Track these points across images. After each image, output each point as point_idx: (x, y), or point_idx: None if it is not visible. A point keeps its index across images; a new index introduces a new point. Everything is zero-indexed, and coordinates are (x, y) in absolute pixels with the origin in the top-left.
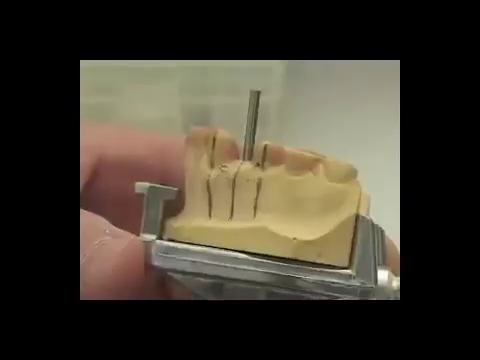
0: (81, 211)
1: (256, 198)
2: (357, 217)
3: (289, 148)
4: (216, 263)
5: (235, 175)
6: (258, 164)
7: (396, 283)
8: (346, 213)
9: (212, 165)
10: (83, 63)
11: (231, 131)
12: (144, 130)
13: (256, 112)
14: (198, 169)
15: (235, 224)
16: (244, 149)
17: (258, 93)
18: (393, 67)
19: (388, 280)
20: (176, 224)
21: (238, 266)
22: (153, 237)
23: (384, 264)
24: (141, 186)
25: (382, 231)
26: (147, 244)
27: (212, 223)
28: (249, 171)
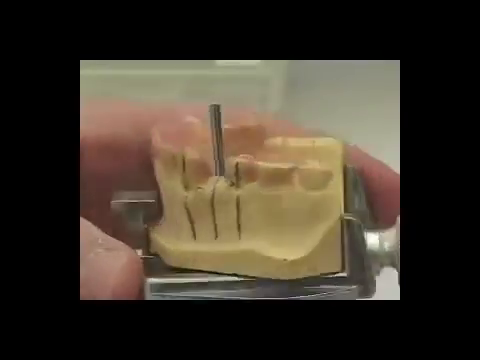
0: None
1: (238, 217)
2: (342, 220)
3: (261, 162)
4: (211, 291)
5: (212, 196)
6: (233, 183)
7: (388, 244)
8: (331, 220)
9: (187, 187)
10: (83, 72)
11: None
12: (119, 102)
13: (220, 126)
14: (173, 191)
15: (222, 246)
16: (215, 165)
17: (218, 107)
18: (393, 79)
19: (379, 243)
20: (162, 241)
21: (233, 291)
22: (139, 252)
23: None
24: (117, 204)
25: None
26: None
27: (199, 246)
28: (225, 191)
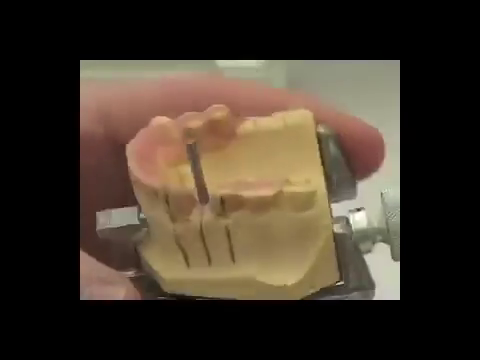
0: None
1: (230, 246)
2: (334, 236)
3: (245, 191)
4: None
5: (200, 227)
6: (219, 214)
7: (376, 220)
8: (322, 236)
9: (173, 219)
10: (83, 74)
11: None
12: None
13: (198, 161)
14: (160, 222)
15: (218, 272)
16: (199, 196)
17: (194, 145)
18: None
19: (367, 221)
20: (154, 266)
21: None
22: (131, 273)
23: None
24: (103, 231)
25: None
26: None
27: (193, 273)
28: (213, 222)
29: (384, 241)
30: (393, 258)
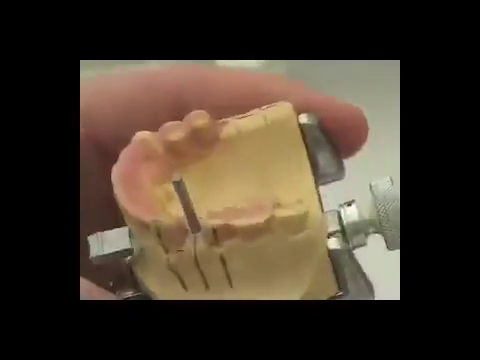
0: None
1: (226, 272)
2: (329, 252)
3: (236, 220)
4: None
5: (194, 257)
6: (212, 243)
7: (368, 211)
8: (318, 256)
9: (166, 250)
10: (83, 74)
11: None
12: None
13: (186, 197)
14: (152, 252)
15: (216, 296)
16: (190, 226)
17: (181, 182)
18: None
19: (358, 214)
20: (151, 288)
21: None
22: (129, 293)
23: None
24: (97, 259)
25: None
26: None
27: (191, 297)
28: (207, 251)
29: (377, 232)
30: (388, 248)
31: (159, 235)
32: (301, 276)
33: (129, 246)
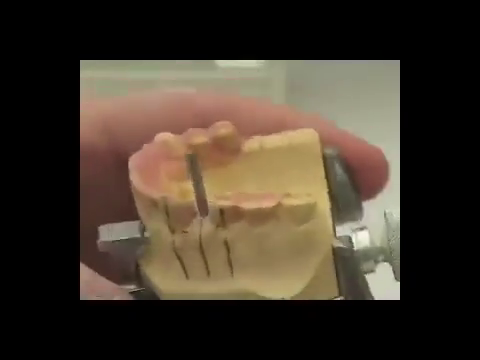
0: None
1: (229, 258)
2: (334, 250)
3: (245, 203)
4: None
5: (200, 238)
6: (218, 225)
7: (379, 239)
8: (322, 250)
9: (172, 231)
10: (83, 74)
11: None
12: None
13: (198, 174)
14: (158, 233)
15: (216, 285)
16: (198, 208)
17: (194, 156)
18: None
19: (370, 240)
20: (153, 278)
21: None
22: (132, 287)
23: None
24: (104, 244)
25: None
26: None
27: (191, 285)
28: (212, 234)
29: (386, 261)
30: (395, 278)
31: (167, 213)
32: (303, 269)
33: (138, 236)
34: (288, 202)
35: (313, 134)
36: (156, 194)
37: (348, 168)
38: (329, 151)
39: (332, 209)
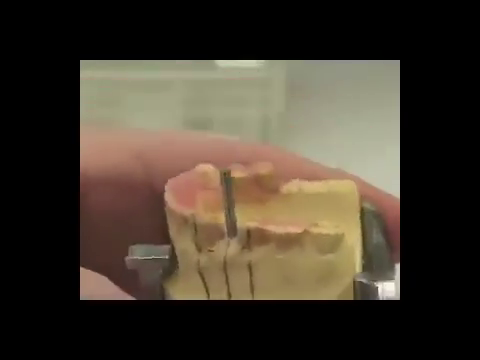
0: (82, 271)
1: (250, 280)
2: (354, 283)
3: (272, 226)
4: None
5: (224, 259)
6: (244, 246)
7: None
8: (344, 281)
9: (199, 249)
10: (83, 75)
11: None
12: (122, 132)
13: (231, 191)
14: (186, 251)
15: None
16: (227, 228)
17: (228, 172)
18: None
19: (396, 292)
20: (176, 297)
21: None
22: None
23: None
24: (131, 261)
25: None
26: None
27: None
28: (237, 255)
29: None
30: None
31: (195, 230)
32: (323, 298)
33: (166, 257)
34: (315, 230)
35: (353, 186)
36: (187, 211)
37: (385, 228)
38: (367, 205)
39: (365, 267)
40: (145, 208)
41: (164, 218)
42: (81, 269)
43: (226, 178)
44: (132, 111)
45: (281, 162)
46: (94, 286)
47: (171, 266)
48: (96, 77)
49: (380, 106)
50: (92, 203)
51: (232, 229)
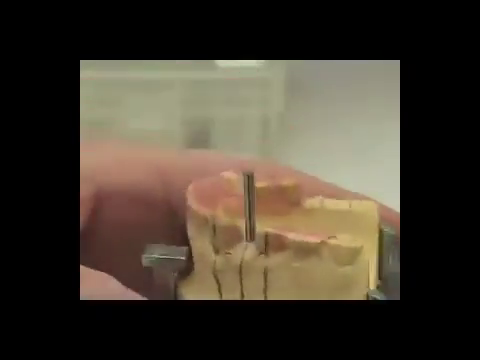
0: (88, 272)
1: (264, 286)
2: (368, 297)
3: (291, 234)
4: None
5: (241, 262)
6: (261, 252)
7: None
8: (358, 295)
9: (216, 251)
10: (83, 75)
11: (231, 143)
12: (141, 148)
13: (253, 193)
14: (203, 253)
15: None
16: (246, 230)
17: (251, 174)
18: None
19: None
20: (189, 298)
21: None
22: None
23: None
24: (148, 259)
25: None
26: None
27: None
28: (253, 260)
29: None
30: None
31: (214, 232)
32: None
33: (183, 258)
34: (333, 242)
35: (373, 206)
36: (207, 212)
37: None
38: (387, 229)
39: (380, 289)
40: (162, 224)
41: (180, 233)
42: (87, 269)
43: (248, 180)
44: (132, 111)
45: (302, 182)
46: (99, 284)
47: (187, 267)
48: (96, 77)
49: (380, 106)
50: (108, 217)
51: (251, 233)
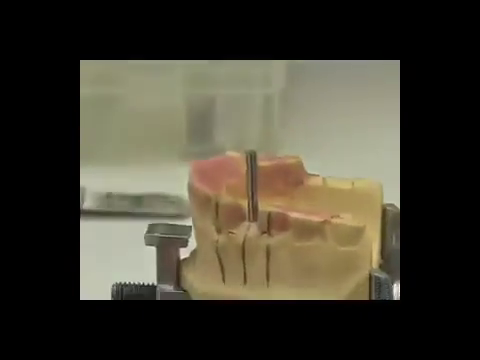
0: None
1: (267, 266)
2: (370, 277)
3: (294, 213)
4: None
5: (243, 242)
6: (264, 231)
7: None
8: (360, 274)
9: (219, 230)
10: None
11: (234, 122)
12: None
13: (255, 173)
14: (205, 232)
15: (250, 293)
16: (248, 210)
17: (254, 153)
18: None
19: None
20: (192, 279)
21: None
22: (170, 287)
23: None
24: (150, 238)
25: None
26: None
27: (227, 290)
28: (256, 239)
29: None
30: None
31: (217, 212)
32: (339, 288)
33: (186, 237)
34: (336, 221)
35: (378, 185)
36: (210, 192)
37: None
38: (391, 207)
39: (382, 268)
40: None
41: None
42: None
43: (251, 158)
44: (134, 89)
45: None
46: None
47: (189, 246)
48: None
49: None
50: None
51: (253, 212)
